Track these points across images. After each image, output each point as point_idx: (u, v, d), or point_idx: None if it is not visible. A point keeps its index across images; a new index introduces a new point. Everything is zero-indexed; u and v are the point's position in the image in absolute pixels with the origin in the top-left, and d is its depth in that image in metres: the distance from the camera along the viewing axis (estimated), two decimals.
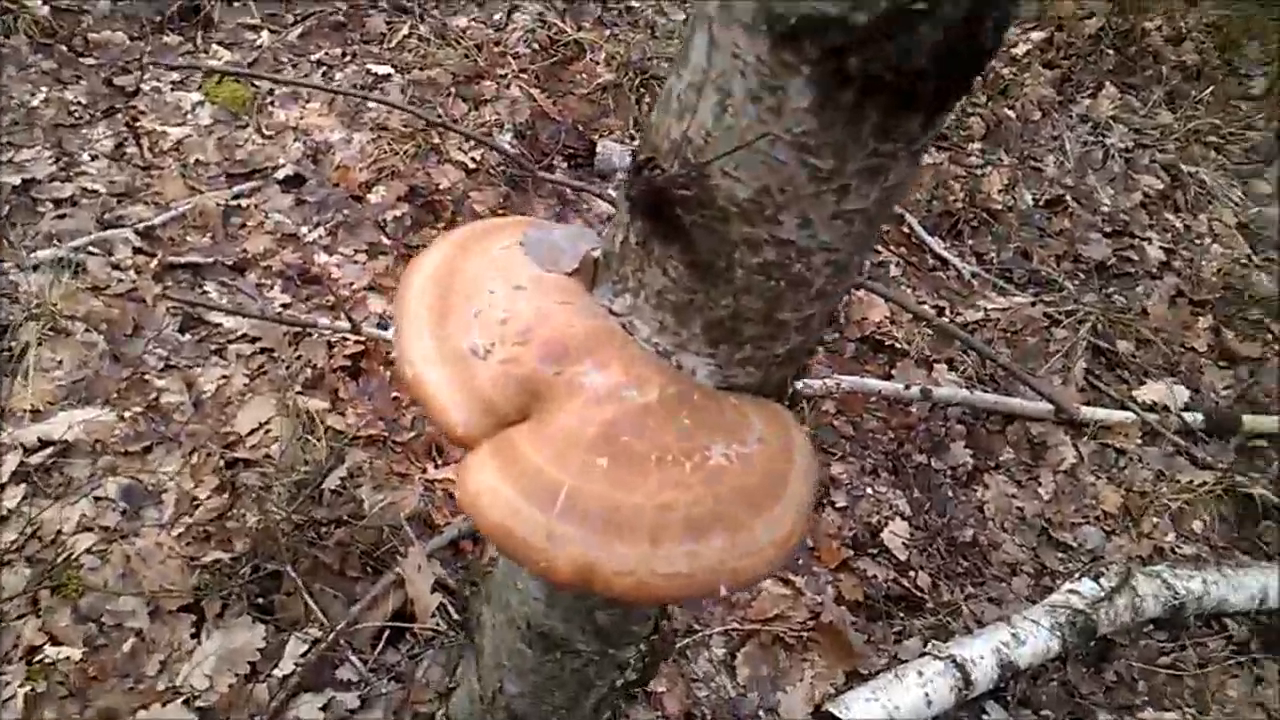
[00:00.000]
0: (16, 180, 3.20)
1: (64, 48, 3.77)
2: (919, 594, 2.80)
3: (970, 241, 4.21)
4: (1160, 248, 4.32)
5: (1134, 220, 4.42)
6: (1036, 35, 5.30)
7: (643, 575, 0.71)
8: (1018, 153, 4.65)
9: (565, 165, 4.00)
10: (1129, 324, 3.86)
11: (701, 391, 0.82)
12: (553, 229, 0.93)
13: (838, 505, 2.99)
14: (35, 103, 3.51)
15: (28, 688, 2.10)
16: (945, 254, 4.08)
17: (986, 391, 3.46)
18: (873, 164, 0.72)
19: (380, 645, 2.36)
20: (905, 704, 2.41)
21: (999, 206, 4.31)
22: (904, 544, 2.90)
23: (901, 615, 2.76)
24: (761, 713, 2.46)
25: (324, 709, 2.23)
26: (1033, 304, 3.88)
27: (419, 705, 2.25)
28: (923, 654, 2.57)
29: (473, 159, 3.78)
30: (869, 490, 3.06)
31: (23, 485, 2.45)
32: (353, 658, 2.33)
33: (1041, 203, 4.44)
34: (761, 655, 2.57)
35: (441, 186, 3.64)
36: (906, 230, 4.16)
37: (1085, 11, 5.42)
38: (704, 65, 0.74)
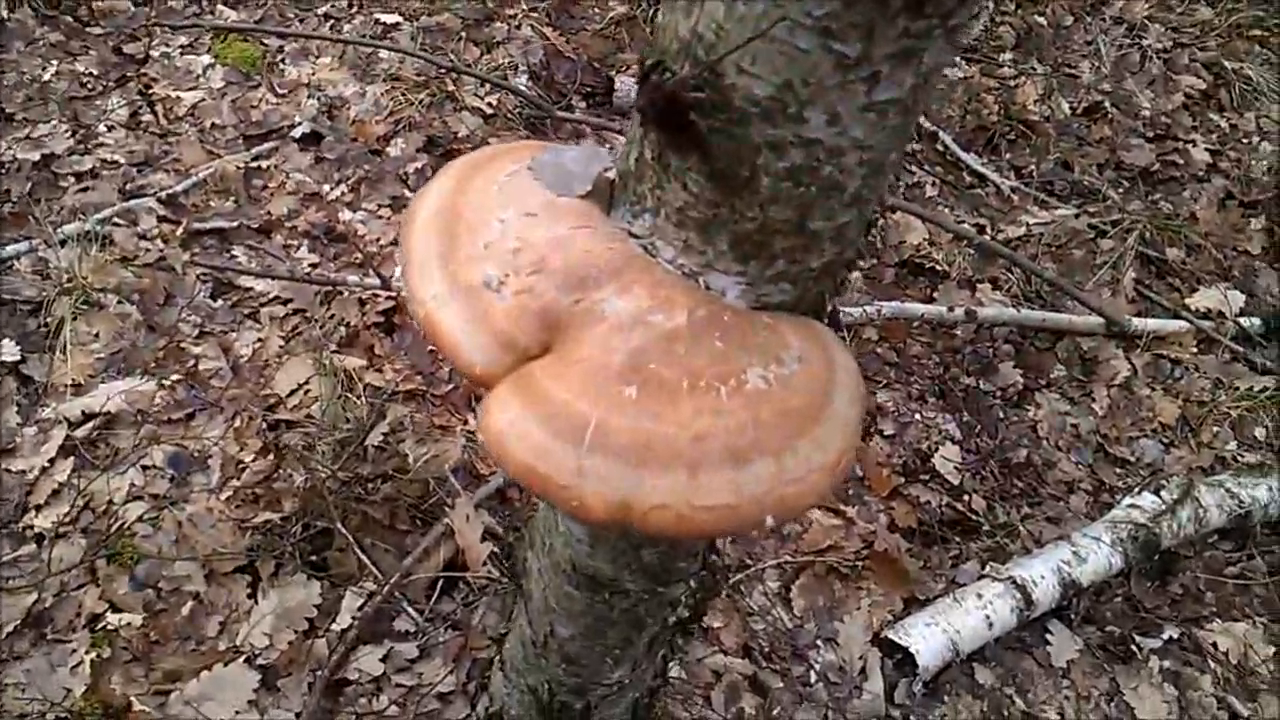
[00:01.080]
0: (35, 156, 3.18)
1: (69, 18, 3.73)
2: (974, 517, 2.74)
3: (1008, 155, 4.08)
4: (1206, 149, 4.15)
5: (1176, 123, 4.25)
6: None
7: (682, 509, 0.67)
8: (1051, 60, 4.48)
9: (584, 104, 3.92)
10: (1178, 230, 3.72)
11: (733, 312, 0.76)
12: (563, 150, 0.87)
13: (886, 433, 2.94)
14: (46, 76, 3.48)
15: (93, 654, 2.13)
16: (982, 170, 3.95)
17: (1034, 309, 3.36)
18: (905, 45, 0.66)
19: (435, 595, 2.37)
20: (966, 627, 2.38)
21: (1035, 117, 4.16)
22: (956, 468, 2.84)
23: (957, 540, 2.72)
24: (820, 643, 2.44)
25: (384, 660, 2.24)
26: (1076, 215, 3.75)
27: (477, 652, 2.25)
28: (981, 576, 2.53)
29: (489, 104, 3.71)
30: (917, 416, 3.00)
31: (70, 458, 2.46)
32: (409, 609, 2.34)
33: (1079, 111, 4.28)
34: (816, 586, 2.54)
35: (460, 134, 3.57)
36: (941, 148, 4.03)
37: None
38: None
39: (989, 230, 3.68)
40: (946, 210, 3.78)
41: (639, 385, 0.69)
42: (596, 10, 4.26)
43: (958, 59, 4.57)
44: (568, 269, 0.75)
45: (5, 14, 3.66)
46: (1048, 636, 2.53)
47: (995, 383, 3.13)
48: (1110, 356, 3.24)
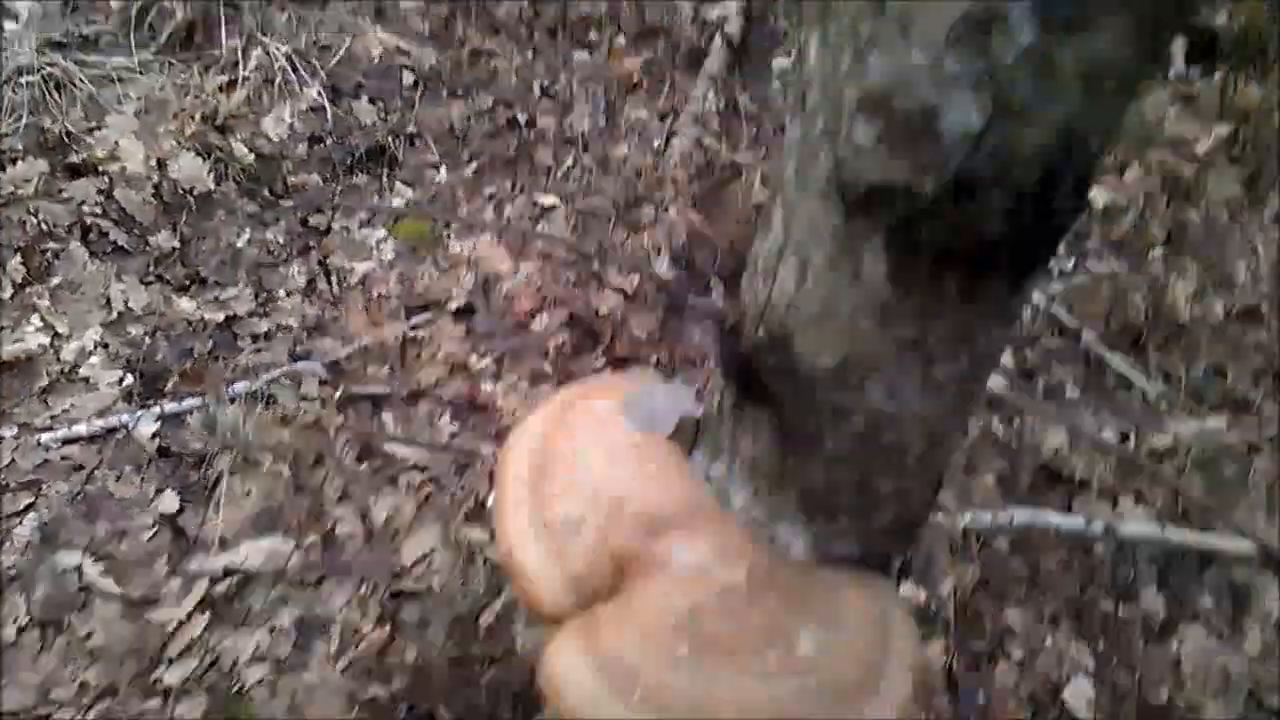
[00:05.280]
0: (220, 317, 3.50)
1: (266, 191, 4.15)
2: None
3: (1155, 357, 3.94)
4: None
5: None
6: (1221, 130, 4.99)
7: None
8: (1205, 259, 4.35)
9: (722, 287, 4.04)
10: None
11: (792, 569, 0.78)
12: (654, 389, 0.93)
13: (1014, 658, 2.77)
14: (240, 244, 3.87)
15: None
16: (1128, 372, 3.82)
17: (1180, 529, 3.16)
18: (959, 331, 0.69)
19: None
20: None
21: (1186, 319, 4.02)
22: (1088, 703, 2.64)
23: None
24: None
25: None
26: (1228, 428, 3.56)
27: None
28: None
29: (631, 284, 3.88)
30: (1048, 641, 2.82)
31: (207, 613, 2.59)
32: None
33: (1234, 314, 4.11)
34: None
35: (601, 312, 3.74)
36: (1084, 348, 3.94)
37: (1274, 102, 5.09)
38: (783, 231, 0.73)
39: (1133, 438, 3.53)
40: (1089, 414, 3.65)
41: (691, 643, 0.71)
42: (741, 196, 4.44)
43: (1104, 254, 4.51)
44: (640, 515, 0.79)
45: (212, 186, 4.11)
46: None
47: (1136, 610, 2.93)
48: (1266, 588, 2.99)
